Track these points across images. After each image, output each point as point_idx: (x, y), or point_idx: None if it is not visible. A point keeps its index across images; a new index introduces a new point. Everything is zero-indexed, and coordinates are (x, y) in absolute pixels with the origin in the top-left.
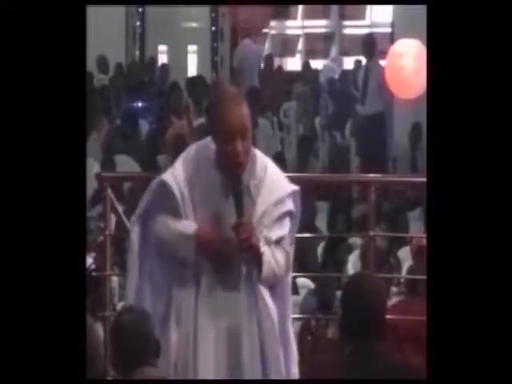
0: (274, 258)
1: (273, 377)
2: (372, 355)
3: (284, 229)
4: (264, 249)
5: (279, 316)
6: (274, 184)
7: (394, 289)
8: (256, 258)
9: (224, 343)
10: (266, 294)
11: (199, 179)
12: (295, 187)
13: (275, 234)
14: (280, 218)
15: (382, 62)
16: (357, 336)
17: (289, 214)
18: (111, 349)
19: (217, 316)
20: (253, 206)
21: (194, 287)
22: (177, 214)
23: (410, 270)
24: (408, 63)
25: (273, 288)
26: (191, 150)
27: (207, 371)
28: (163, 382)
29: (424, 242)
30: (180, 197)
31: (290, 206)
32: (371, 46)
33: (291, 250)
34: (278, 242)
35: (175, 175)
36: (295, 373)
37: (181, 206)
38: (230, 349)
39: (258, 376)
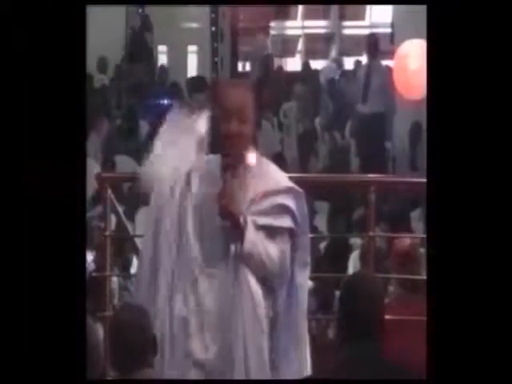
0: (263, 245)
1: (253, 364)
2: (371, 355)
3: (275, 220)
4: (249, 226)
5: (293, 317)
6: (269, 175)
7: (392, 288)
8: (238, 233)
9: (207, 323)
10: (251, 278)
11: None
12: (296, 187)
13: (263, 220)
14: (270, 209)
15: (384, 63)
16: (356, 336)
17: (284, 208)
18: (109, 348)
19: (200, 295)
20: (246, 191)
21: (178, 267)
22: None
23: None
24: (413, 63)
25: (286, 289)
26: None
27: (190, 351)
28: (163, 382)
29: (406, 243)
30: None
31: (286, 200)
32: (375, 46)
33: (307, 272)
34: (271, 232)
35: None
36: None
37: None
38: (213, 329)
39: (240, 359)
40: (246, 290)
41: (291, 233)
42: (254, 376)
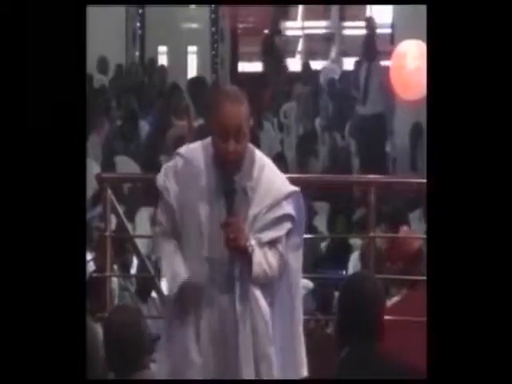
0: (266, 260)
1: (265, 378)
2: (371, 356)
3: (279, 231)
4: (255, 250)
5: (289, 319)
6: (269, 186)
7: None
8: (245, 259)
9: (217, 343)
10: (259, 295)
11: (194, 179)
12: (294, 188)
13: (268, 235)
14: (275, 221)
15: (383, 63)
16: (354, 337)
17: (286, 216)
18: (104, 349)
19: (210, 317)
20: (248, 208)
21: (189, 289)
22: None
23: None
24: (411, 64)
25: (280, 291)
26: (189, 148)
27: (199, 370)
28: (163, 382)
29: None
30: (173, 196)
31: (287, 208)
32: (372, 47)
33: (300, 253)
34: (272, 243)
35: (168, 176)
36: (304, 375)
37: (173, 205)
38: (223, 349)
39: (250, 376)
40: (255, 307)
41: (288, 231)
42: None
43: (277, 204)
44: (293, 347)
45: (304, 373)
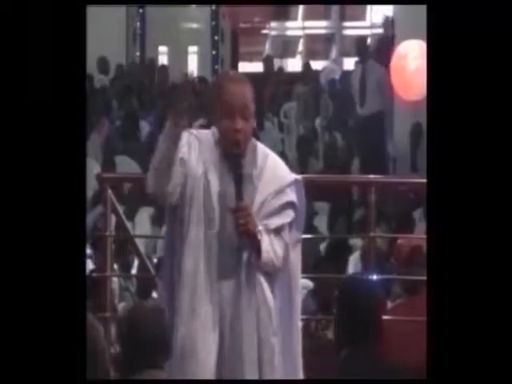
0: (273, 248)
1: (267, 366)
2: (369, 357)
3: (284, 218)
4: (263, 236)
5: (287, 316)
6: (274, 173)
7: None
8: (254, 244)
9: (223, 329)
10: (264, 282)
11: (202, 163)
12: (296, 176)
13: (274, 222)
14: (280, 208)
15: (380, 63)
16: (353, 338)
17: (290, 204)
18: (119, 347)
19: (216, 302)
20: (254, 195)
21: (194, 273)
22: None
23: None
24: (412, 64)
25: (280, 286)
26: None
27: (205, 355)
28: (163, 381)
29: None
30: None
31: (291, 196)
32: (365, 47)
33: (299, 247)
34: (278, 231)
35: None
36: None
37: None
38: (229, 334)
39: (253, 362)
40: (259, 294)
41: (291, 221)
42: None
43: (282, 191)
44: (290, 344)
45: (300, 375)
